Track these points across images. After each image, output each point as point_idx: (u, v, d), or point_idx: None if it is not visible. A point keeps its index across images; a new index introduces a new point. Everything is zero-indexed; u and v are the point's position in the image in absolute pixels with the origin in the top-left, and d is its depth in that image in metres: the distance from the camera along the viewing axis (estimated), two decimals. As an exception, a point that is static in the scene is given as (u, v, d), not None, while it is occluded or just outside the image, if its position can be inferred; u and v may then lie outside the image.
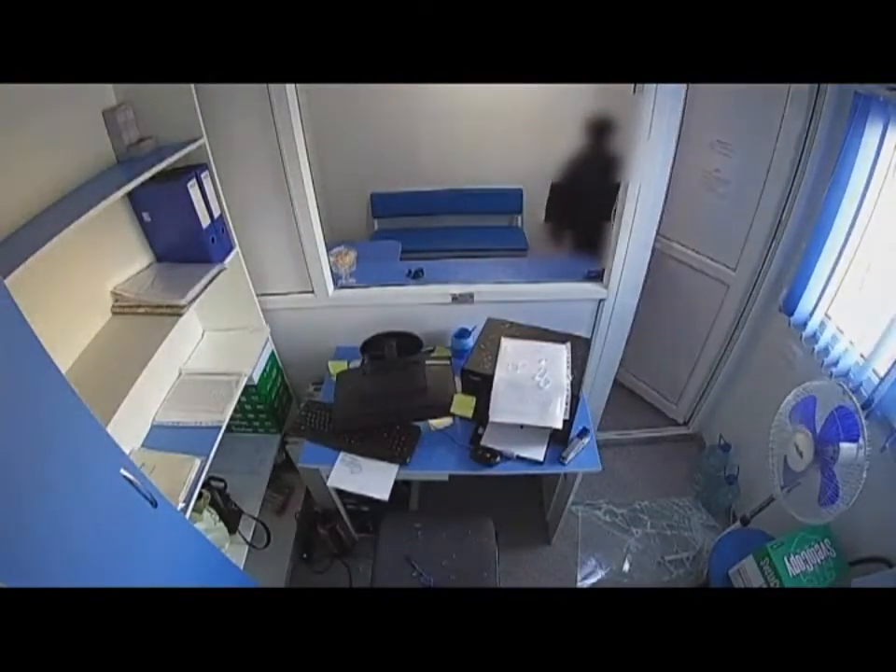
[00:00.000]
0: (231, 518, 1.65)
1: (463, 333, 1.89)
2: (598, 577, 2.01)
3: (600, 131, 2.41)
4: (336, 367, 1.85)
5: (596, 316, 1.96)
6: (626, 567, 2.03)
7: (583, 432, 1.56)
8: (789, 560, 1.41)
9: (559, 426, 1.44)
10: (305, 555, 2.03)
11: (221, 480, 1.66)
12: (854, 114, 1.42)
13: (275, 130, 1.50)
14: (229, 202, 1.59)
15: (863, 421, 1.23)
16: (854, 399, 1.26)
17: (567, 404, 1.45)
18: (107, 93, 1.33)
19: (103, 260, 1.37)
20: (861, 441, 1.23)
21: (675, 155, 2.10)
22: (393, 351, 1.72)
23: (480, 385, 1.55)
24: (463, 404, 1.61)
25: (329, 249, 1.90)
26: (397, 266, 2.22)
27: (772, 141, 1.69)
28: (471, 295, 1.89)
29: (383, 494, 1.50)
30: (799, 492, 1.40)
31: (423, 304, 1.94)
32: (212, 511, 1.59)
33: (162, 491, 1.12)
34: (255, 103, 1.45)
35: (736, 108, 1.79)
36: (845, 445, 1.24)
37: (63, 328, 1.22)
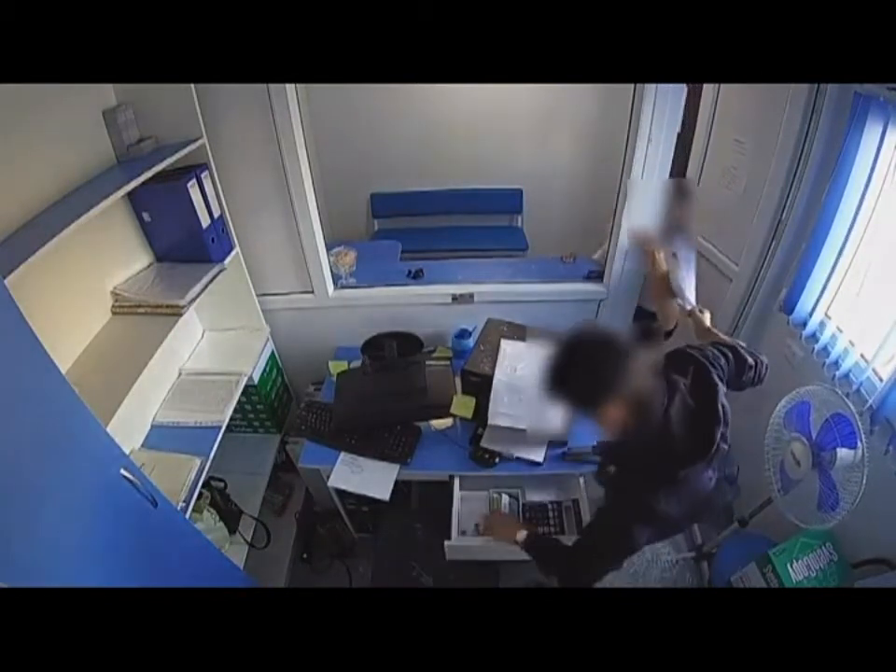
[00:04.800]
0: (230, 518, 1.65)
1: (463, 334, 1.89)
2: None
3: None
4: (336, 367, 1.85)
5: (596, 317, 1.96)
6: (626, 567, 2.03)
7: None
8: (792, 567, 1.41)
9: (559, 430, 1.44)
10: (305, 555, 2.02)
11: (221, 480, 1.66)
12: (854, 114, 1.42)
13: (275, 130, 1.50)
14: (229, 202, 1.59)
15: (860, 427, 1.22)
16: (851, 405, 1.24)
17: (566, 406, 1.45)
18: (107, 93, 1.33)
19: (103, 260, 1.37)
20: (859, 446, 1.22)
21: (705, 151, 2.15)
22: (393, 351, 1.72)
23: (480, 386, 1.55)
24: (463, 405, 1.61)
25: (329, 249, 1.90)
26: (397, 266, 2.22)
27: (774, 140, 1.69)
28: (471, 295, 1.89)
29: (383, 494, 1.50)
30: (799, 498, 1.39)
31: (423, 304, 1.94)
32: (212, 511, 1.59)
33: (162, 491, 1.12)
34: (255, 103, 1.45)
35: (752, 107, 1.80)
36: (843, 452, 1.23)
37: (63, 328, 1.22)
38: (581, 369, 0.91)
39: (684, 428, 0.96)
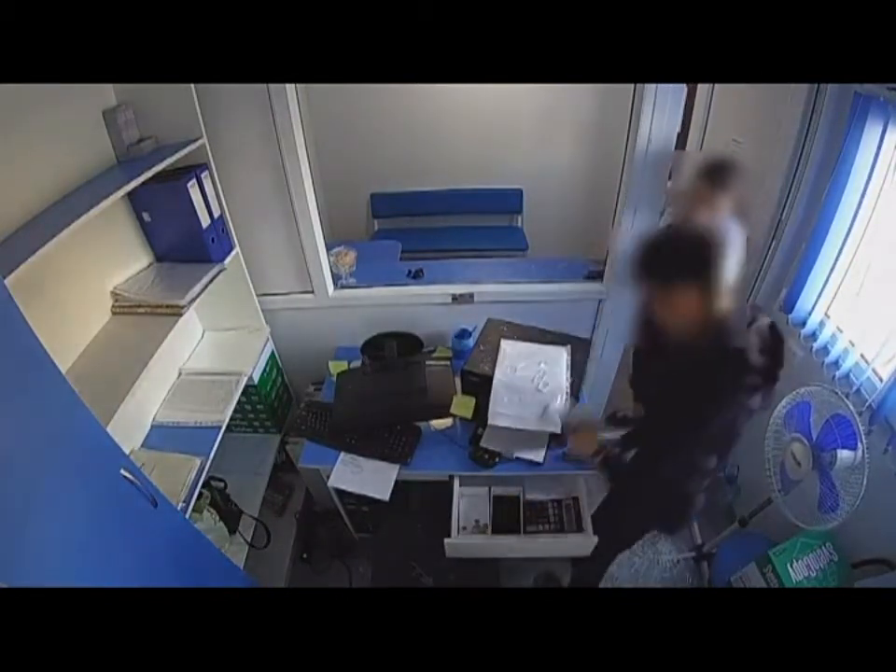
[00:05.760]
0: (230, 518, 1.65)
1: (463, 334, 1.89)
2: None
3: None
4: (336, 367, 1.85)
5: (596, 316, 1.96)
6: (626, 567, 2.03)
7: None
8: (792, 567, 1.41)
9: (558, 430, 1.44)
10: (305, 555, 2.02)
11: (221, 480, 1.66)
12: (854, 114, 1.42)
13: (275, 130, 1.50)
14: (229, 202, 1.59)
15: (860, 428, 1.21)
16: (851, 406, 1.24)
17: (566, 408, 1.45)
18: (107, 93, 1.33)
19: (103, 260, 1.37)
20: (859, 447, 1.22)
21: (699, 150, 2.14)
22: (393, 351, 1.72)
23: (480, 386, 1.55)
24: (462, 405, 1.61)
25: (329, 249, 1.90)
26: (397, 266, 2.22)
27: (773, 140, 1.70)
28: (471, 295, 1.89)
29: (383, 494, 1.50)
30: (799, 499, 1.39)
31: (423, 304, 1.94)
32: (212, 511, 1.59)
33: (162, 491, 1.12)
34: (255, 103, 1.45)
35: (751, 107, 1.80)
36: (843, 453, 1.23)
37: (63, 328, 1.22)
38: (690, 246, 0.93)
39: (741, 365, 0.97)
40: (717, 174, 1.42)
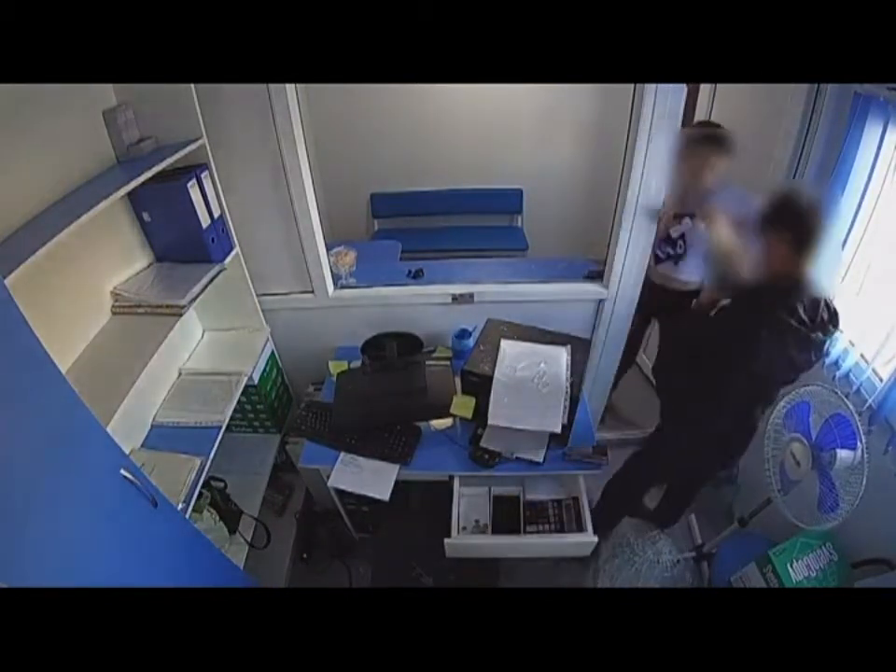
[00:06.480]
0: (231, 518, 1.65)
1: (463, 334, 1.89)
2: (598, 577, 2.01)
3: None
4: (336, 367, 1.85)
5: (596, 316, 1.96)
6: (626, 567, 2.03)
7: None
8: (791, 567, 1.41)
9: (558, 430, 1.44)
10: (305, 555, 2.03)
11: (221, 480, 1.66)
12: (854, 114, 1.42)
13: (275, 129, 1.50)
14: (229, 202, 1.59)
15: (860, 428, 1.21)
16: (850, 406, 1.24)
17: (566, 408, 1.45)
18: (107, 93, 1.33)
19: (103, 260, 1.37)
20: (858, 447, 1.22)
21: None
22: (393, 351, 1.72)
23: (480, 386, 1.55)
24: (462, 405, 1.60)
25: (329, 249, 1.89)
26: (397, 266, 2.22)
27: (773, 140, 1.70)
28: (471, 295, 1.89)
29: (383, 494, 1.50)
30: (799, 499, 1.39)
31: (423, 304, 1.93)
32: (212, 511, 1.59)
33: (162, 491, 1.12)
34: (255, 103, 1.45)
35: (752, 107, 1.80)
36: (842, 453, 1.23)
37: (63, 328, 1.22)
38: (809, 209, 1.19)
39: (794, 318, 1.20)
40: (709, 139, 1.65)
